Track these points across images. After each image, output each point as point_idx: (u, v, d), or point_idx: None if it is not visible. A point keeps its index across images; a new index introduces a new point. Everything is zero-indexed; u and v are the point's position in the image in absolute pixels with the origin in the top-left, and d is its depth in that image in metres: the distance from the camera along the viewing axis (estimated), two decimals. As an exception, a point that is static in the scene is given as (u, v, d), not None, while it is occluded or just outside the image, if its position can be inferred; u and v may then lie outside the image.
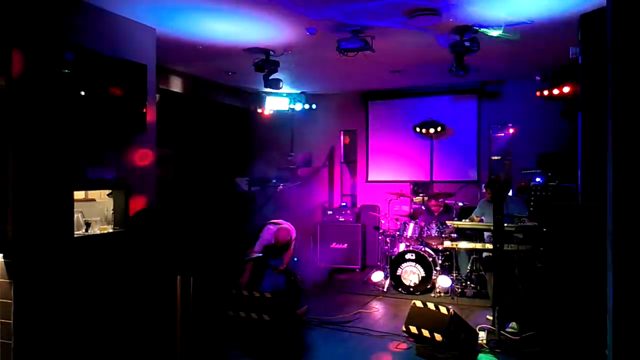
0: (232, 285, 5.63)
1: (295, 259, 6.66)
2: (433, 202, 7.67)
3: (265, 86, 6.58)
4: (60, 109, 4.07)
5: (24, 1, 3.88)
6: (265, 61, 6.29)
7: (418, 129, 8.70)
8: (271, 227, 6.11)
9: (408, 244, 7.14)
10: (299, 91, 9.07)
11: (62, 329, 4.10)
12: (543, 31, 5.40)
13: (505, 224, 5.03)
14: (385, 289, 6.97)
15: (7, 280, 3.79)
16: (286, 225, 6.14)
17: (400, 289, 6.85)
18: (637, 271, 2.23)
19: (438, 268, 6.88)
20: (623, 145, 2.29)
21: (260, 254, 5.89)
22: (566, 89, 6.83)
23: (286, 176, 9.10)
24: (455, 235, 6.70)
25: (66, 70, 4.09)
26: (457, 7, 4.74)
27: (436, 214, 7.59)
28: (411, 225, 7.25)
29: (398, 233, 7.35)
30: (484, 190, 6.34)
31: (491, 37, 5.39)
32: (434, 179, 8.75)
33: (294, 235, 6.21)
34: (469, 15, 4.97)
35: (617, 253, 2.29)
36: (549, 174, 7.12)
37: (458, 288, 6.70)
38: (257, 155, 9.10)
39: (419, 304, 4.81)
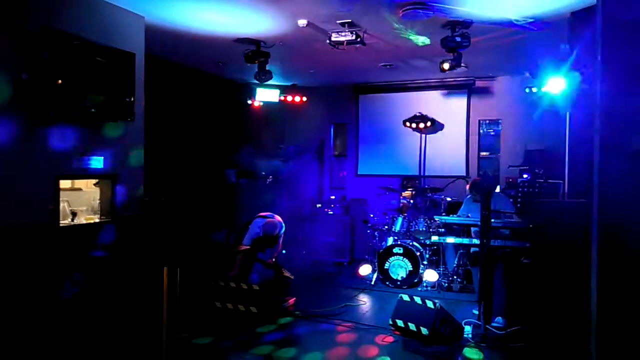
0: (219, 277, 5.62)
1: (284, 251, 6.66)
2: (421, 196, 7.70)
3: (256, 77, 6.54)
4: (45, 96, 4.00)
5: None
6: (255, 52, 6.25)
7: (408, 124, 8.69)
8: (259, 220, 6.10)
9: (396, 238, 7.16)
10: (289, 83, 9.03)
11: (46, 317, 4.07)
12: (534, 27, 5.41)
13: (492, 220, 5.06)
14: (372, 283, 7.00)
15: (-9, 269, 3.75)
16: (274, 219, 6.13)
17: (387, 283, 6.88)
18: (620, 268, 2.26)
19: (425, 262, 6.92)
20: (610, 143, 2.30)
21: (248, 247, 5.88)
22: (555, 86, 6.87)
23: (276, 168, 9.07)
24: (442, 230, 6.72)
25: (52, 57, 4.02)
26: (448, 3, 4.73)
27: (424, 208, 7.62)
28: (399, 219, 7.28)
29: (386, 227, 7.37)
30: (467, 191, 6.35)
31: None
32: (423, 174, 8.78)
33: (282, 228, 6.20)
34: (461, 11, 4.97)
35: (601, 249, 2.31)
36: (537, 171, 7.17)
37: (445, 282, 6.74)
38: (247, 147, 9.04)
39: (405, 297, 4.83)
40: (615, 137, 2.29)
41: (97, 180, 4.82)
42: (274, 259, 6.12)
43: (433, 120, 8.61)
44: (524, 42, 5.98)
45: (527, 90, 7.29)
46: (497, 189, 7.67)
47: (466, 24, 5.29)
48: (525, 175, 7.35)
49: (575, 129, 4.87)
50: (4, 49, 3.80)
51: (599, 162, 2.31)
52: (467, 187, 6.44)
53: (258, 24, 5.51)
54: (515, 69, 7.65)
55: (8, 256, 3.81)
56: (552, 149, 7.37)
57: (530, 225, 4.82)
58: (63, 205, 4.39)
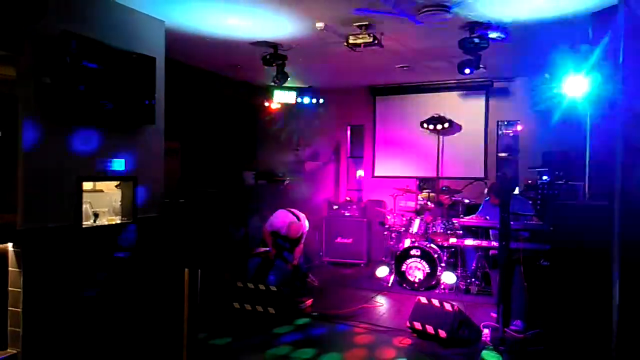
0: (238, 277, 5.68)
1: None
2: (439, 198, 7.66)
3: (273, 80, 6.59)
4: (69, 100, 4.09)
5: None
6: (273, 55, 6.30)
7: (425, 125, 8.67)
8: (287, 215, 6.18)
9: (413, 239, 7.14)
10: (306, 85, 9.07)
11: (70, 317, 4.15)
12: (553, 28, 5.36)
13: (511, 222, 5.02)
14: (389, 285, 6.99)
15: (17, 270, 3.84)
16: (299, 222, 6.17)
17: (404, 285, 6.87)
18: (643, 271, 2.23)
19: (443, 264, 6.88)
20: (632, 145, 2.28)
21: (267, 249, 5.96)
22: (575, 87, 6.78)
23: (292, 170, 9.11)
24: (460, 232, 6.69)
25: (75, 61, 4.11)
26: (466, 4, 4.71)
27: (442, 210, 7.59)
28: (417, 221, 7.25)
29: (403, 229, 7.35)
30: (486, 194, 6.29)
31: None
32: (440, 176, 8.74)
33: (305, 230, 6.26)
34: (478, 13, 4.95)
35: (623, 252, 2.29)
36: (556, 173, 7.08)
37: (463, 285, 6.71)
38: (264, 149, 9.11)
39: (423, 300, 4.82)
40: (638, 139, 2.27)
41: (118, 182, 4.90)
42: (296, 261, 6.17)
43: (451, 122, 8.57)
44: (544, 43, 5.92)
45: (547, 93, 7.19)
46: (516, 191, 7.60)
47: (485, 25, 5.26)
48: (545, 177, 7.26)
49: (596, 130, 4.80)
50: (27, 53, 3.90)
51: (621, 164, 2.29)
52: (486, 190, 6.39)
53: (276, 27, 5.55)
54: (534, 70, 7.56)
55: (35, 258, 3.90)
56: (572, 150, 7.28)
57: (550, 228, 4.77)
58: (85, 206, 4.47)
